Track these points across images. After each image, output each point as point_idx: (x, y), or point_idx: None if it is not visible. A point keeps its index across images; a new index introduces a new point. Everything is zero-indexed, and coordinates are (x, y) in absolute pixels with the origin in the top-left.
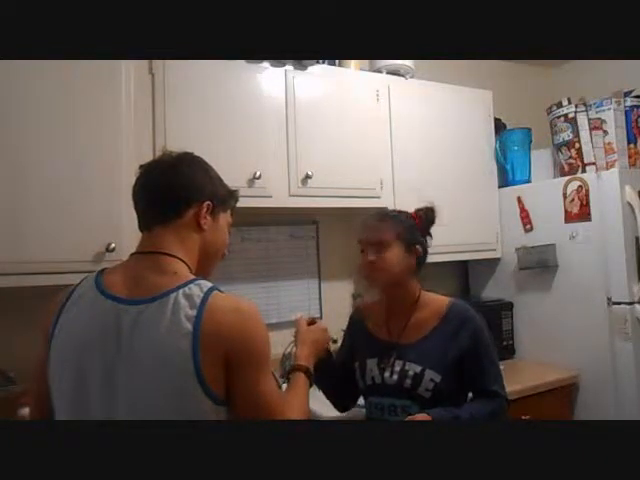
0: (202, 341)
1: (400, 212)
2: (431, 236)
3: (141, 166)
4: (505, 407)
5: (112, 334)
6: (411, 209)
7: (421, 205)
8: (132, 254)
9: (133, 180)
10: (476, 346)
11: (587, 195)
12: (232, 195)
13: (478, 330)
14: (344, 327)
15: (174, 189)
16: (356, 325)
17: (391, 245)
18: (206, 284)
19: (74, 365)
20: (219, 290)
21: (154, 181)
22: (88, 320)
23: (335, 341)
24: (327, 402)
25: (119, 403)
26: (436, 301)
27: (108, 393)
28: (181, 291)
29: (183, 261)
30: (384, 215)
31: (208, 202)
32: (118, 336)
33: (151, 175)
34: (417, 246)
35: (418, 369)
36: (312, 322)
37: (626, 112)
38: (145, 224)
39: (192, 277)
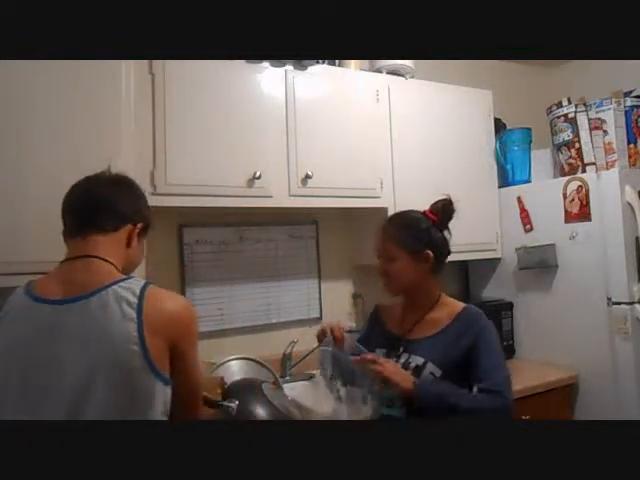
0: (146, 325)
1: (412, 215)
2: (449, 230)
3: (87, 178)
4: (507, 408)
5: (55, 333)
6: (411, 208)
7: (426, 198)
8: (63, 261)
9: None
10: (479, 343)
11: (587, 195)
12: (151, 223)
13: (484, 330)
14: (344, 327)
15: (116, 205)
16: (374, 318)
17: (396, 258)
18: (141, 279)
19: (18, 371)
20: (153, 285)
21: (97, 193)
22: (24, 327)
23: None
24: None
25: (69, 394)
26: (453, 305)
27: (56, 386)
28: (118, 284)
29: (114, 265)
30: (390, 222)
31: (141, 224)
32: (60, 334)
33: (94, 188)
34: (428, 251)
35: (420, 361)
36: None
37: (626, 112)
38: (79, 231)
39: (126, 276)
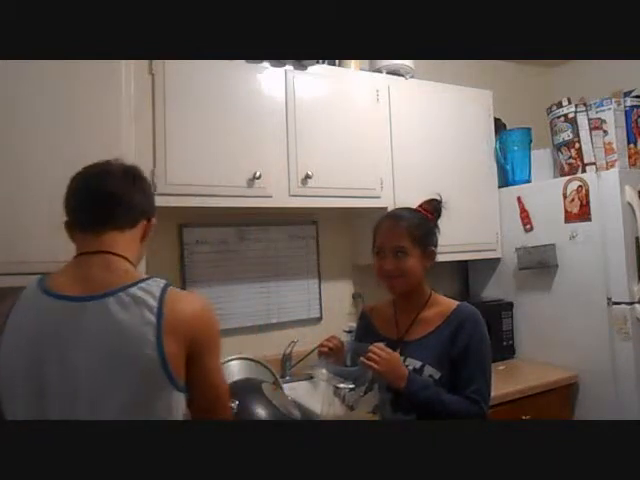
0: (165, 330)
1: (416, 212)
2: (439, 229)
3: (98, 168)
4: (482, 418)
5: (70, 332)
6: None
7: (426, 198)
8: (77, 255)
9: None
10: (469, 347)
11: (587, 195)
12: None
13: (476, 333)
14: (344, 327)
15: (135, 200)
16: (364, 323)
17: (410, 252)
18: (161, 280)
19: (28, 369)
20: (173, 286)
21: (115, 188)
22: (34, 323)
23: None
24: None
25: (81, 395)
26: (446, 303)
27: (69, 388)
28: (137, 286)
29: (130, 262)
30: (400, 218)
31: (154, 218)
32: (77, 333)
33: (109, 181)
34: (432, 248)
35: (418, 365)
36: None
37: (626, 112)
38: (93, 226)
39: (145, 276)
